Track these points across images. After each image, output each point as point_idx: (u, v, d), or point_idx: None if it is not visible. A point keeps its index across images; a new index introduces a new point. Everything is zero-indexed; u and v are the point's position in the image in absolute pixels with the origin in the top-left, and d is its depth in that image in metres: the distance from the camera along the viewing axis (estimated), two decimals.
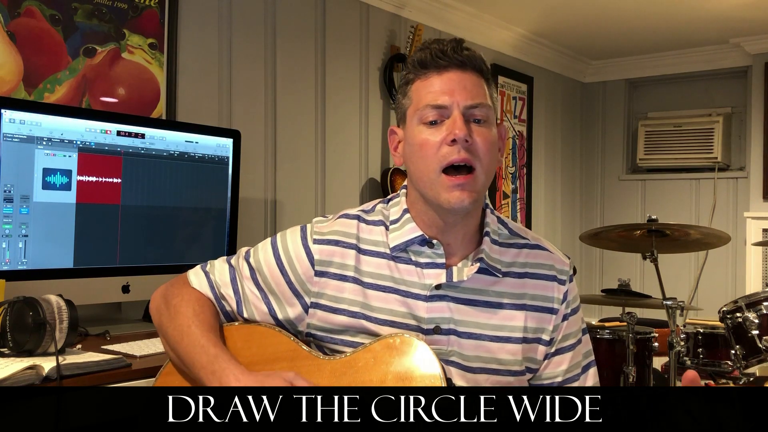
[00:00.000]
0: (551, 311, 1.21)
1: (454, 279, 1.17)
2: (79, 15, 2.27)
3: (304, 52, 3.08)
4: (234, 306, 1.25)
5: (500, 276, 1.20)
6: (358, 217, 1.25)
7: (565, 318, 1.23)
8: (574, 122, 5.20)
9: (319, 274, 1.21)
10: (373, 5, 3.42)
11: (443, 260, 1.19)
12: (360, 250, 1.21)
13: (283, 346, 1.19)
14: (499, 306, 1.19)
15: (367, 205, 1.28)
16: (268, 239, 1.28)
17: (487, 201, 1.25)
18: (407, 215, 1.21)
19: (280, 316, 1.23)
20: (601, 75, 5.22)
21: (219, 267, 1.29)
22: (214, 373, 1.13)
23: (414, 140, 1.16)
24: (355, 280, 1.20)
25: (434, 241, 1.19)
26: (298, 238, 1.24)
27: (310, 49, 3.11)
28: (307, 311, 1.21)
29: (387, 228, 1.22)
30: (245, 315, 1.25)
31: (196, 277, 1.28)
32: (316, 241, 1.22)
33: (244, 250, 1.31)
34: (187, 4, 2.60)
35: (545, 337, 1.21)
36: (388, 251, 1.20)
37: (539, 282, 1.22)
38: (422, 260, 1.19)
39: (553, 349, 1.22)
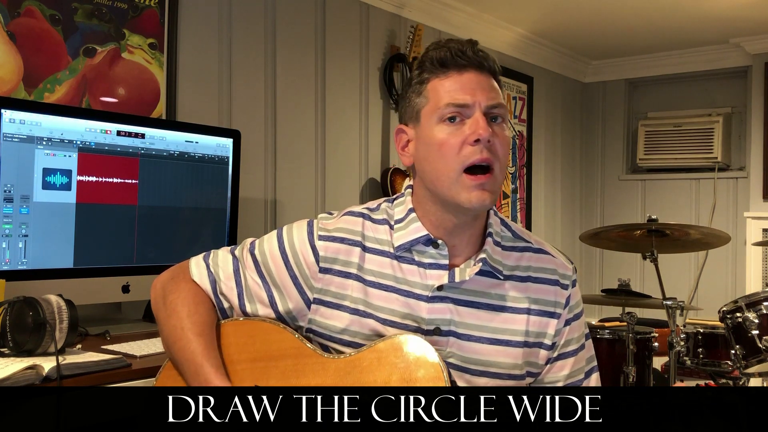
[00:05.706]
0: (553, 315, 1.21)
1: (456, 279, 1.16)
2: (79, 15, 2.27)
3: (304, 52, 3.08)
4: (235, 300, 1.25)
5: (502, 278, 1.20)
6: (363, 215, 1.24)
7: (567, 323, 1.22)
8: (574, 122, 5.20)
9: (324, 270, 1.21)
10: (373, 5, 3.42)
11: (447, 261, 1.18)
12: (365, 248, 1.21)
13: (287, 343, 1.19)
14: (501, 309, 1.19)
15: (372, 203, 1.28)
16: (274, 232, 1.28)
17: None
18: (413, 215, 1.21)
19: (281, 308, 1.23)
20: (601, 75, 5.21)
21: (222, 258, 1.28)
22: (200, 384, 1.16)
23: (432, 139, 1.15)
24: (358, 278, 1.20)
25: (439, 242, 1.18)
26: (304, 233, 1.24)
27: (310, 48, 3.11)
28: (309, 306, 1.21)
29: (391, 227, 1.22)
30: (247, 308, 1.24)
31: (197, 268, 1.28)
32: (321, 238, 1.22)
33: (248, 241, 1.30)
34: (187, 4, 2.60)
35: (547, 341, 1.21)
36: (392, 250, 1.20)
37: (542, 286, 1.21)
38: (426, 260, 1.19)
39: (555, 354, 1.22)
